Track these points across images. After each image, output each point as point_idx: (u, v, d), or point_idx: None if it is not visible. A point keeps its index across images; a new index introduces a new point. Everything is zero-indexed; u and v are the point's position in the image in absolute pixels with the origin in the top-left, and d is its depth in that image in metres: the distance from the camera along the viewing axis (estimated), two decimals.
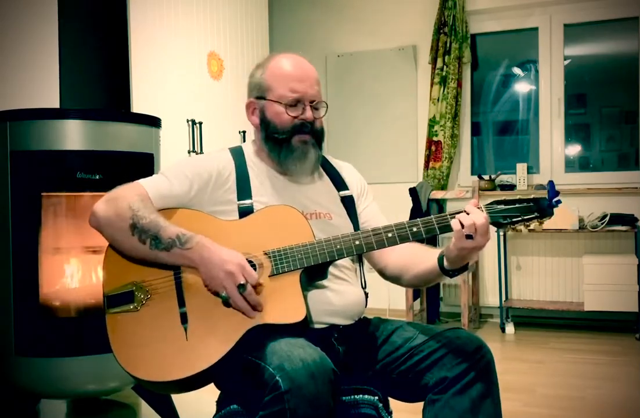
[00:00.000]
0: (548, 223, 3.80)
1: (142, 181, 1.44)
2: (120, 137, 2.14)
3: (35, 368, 2.04)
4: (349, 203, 1.57)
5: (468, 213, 1.30)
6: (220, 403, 1.41)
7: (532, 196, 1.36)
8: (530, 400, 2.68)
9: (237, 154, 1.53)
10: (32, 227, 2.04)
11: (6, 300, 2.05)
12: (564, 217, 3.82)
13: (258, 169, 1.51)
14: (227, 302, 1.28)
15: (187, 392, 1.37)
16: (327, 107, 1.53)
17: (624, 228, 3.77)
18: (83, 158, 2.07)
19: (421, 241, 1.43)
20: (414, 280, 1.50)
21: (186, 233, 1.31)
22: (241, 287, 1.26)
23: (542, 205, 1.34)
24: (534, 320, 4.22)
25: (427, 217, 1.36)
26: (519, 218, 1.34)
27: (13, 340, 2.04)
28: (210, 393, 1.47)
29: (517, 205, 1.35)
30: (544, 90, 4.36)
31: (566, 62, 4.34)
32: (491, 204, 1.35)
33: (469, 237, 1.28)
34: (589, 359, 3.33)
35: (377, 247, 1.36)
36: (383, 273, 1.58)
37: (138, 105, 2.70)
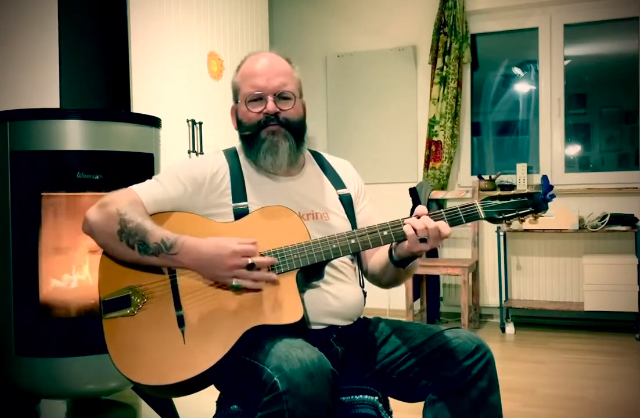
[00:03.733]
0: (548, 223, 3.82)
1: (135, 187, 1.43)
2: (120, 137, 2.14)
3: (35, 368, 2.04)
4: (347, 201, 1.56)
5: (418, 217, 1.32)
6: (220, 403, 1.41)
7: (526, 191, 1.36)
8: (530, 400, 2.67)
9: (231, 156, 1.52)
10: (32, 227, 2.04)
11: (6, 300, 2.05)
12: (564, 217, 3.82)
13: (253, 171, 1.50)
14: (239, 289, 1.29)
15: (186, 396, 1.37)
16: (295, 97, 1.47)
17: (624, 228, 3.77)
18: (83, 158, 2.07)
19: None
20: (385, 278, 1.51)
21: (170, 237, 1.30)
22: (251, 267, 1.27)
23: (537, 200, 1.34)
24: (534, 320, 4.22)
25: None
26: (514, 214, 1.34)
27: (13, 340, 2.04)
28: (210, 394, 1.47)
29: (511, 200, 1.35)
30: (544, 90, 4.36)
31: (566, 62, 4.34)
32: (485, 199, 1.35)
33: (422, 240, 1.30)
34: (589, 359, 3.33)
35: (373, 245, 1.36)
36: (367, 275, 1.58)
37: (138, 105, 2.70)
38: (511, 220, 1.35)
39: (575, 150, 4.49)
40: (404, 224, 1.32)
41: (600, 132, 4.48)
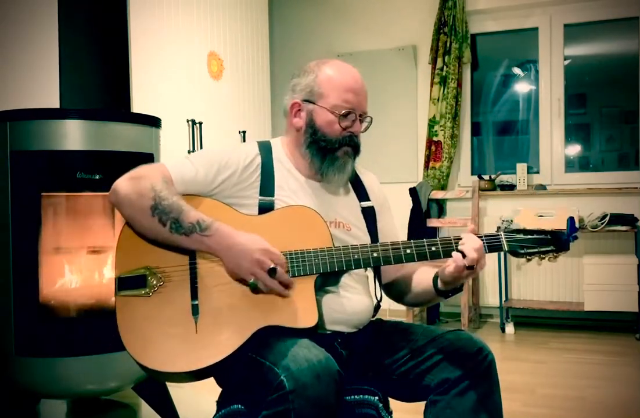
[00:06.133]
0: (548, 223, 3.82)
1: (168, 163, 1.42)
2: (120, 137, 2.14)
3: (35, 368, 2.04)
4: (369, 214, 1.56)
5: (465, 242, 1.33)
6: (221, 403, 1.41)
7: (551, 229, 1.38)
8: (530, 400, 2.68)
9: (265, 149, 1.51)
10: (32, 227, 2.04)
11: (6, 300, 2.05)
12: (564, 217, 3.82)
13: (285, 169, 1.50)
14: (255, 289, 1.28)
15: (187, 383, 1.37)
16: (371, 121, 1.52)
17: (624, 228, 3.77)
18: (83, 158, 2.07)
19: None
20: (414, 300, 1.54)
21: (206, 220, 1.30)
22: (272, 272, 1.26)
23: (560, 239, 1.36)
24: (534, 320, 4.22)
25: (446, 237, 1.37)
26: (535, 250, 1.37)
27: (13, 340, 2.04)
28: (210, 393, 1.47)
29: (535, 236, 1.37)
30: (544, 90, 4.36)
31: (566, 62, 4.34)
32: (510, 232, 1.37)
33: (469, 268, 1.30)
34: (589, 359, 3.33)
35: (395, 261, 1.37)
36: (388, 290, 1.60)
37: (138, 105, 2.70)
38: (532, 256, 1.37)
39: (575, 150, 4.49)
40: (458, 250, 1.32)
41: (600, 132, 4.48)
